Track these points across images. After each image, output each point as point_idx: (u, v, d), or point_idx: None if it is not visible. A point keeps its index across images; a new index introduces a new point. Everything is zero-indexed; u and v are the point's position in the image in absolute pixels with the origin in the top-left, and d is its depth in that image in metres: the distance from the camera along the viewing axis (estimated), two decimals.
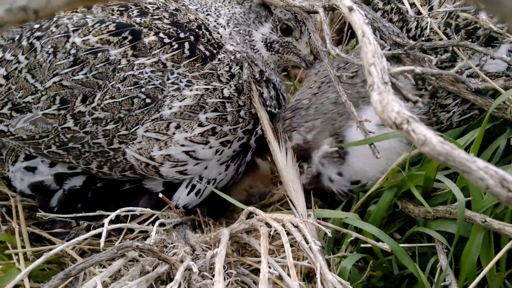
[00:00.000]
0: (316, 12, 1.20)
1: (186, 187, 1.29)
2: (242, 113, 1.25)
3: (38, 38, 1.19)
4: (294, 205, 1.19)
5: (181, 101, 1.17)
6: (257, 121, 1.29)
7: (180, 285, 0.93)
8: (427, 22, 1.18)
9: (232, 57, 1.25)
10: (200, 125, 1.19)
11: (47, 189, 1.28)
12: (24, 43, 1.20)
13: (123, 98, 1.15)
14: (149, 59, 1.16)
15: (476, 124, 1.18)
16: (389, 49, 1.17)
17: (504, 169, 0.60)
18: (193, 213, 1.34)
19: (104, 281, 0.97)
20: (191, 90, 1.18)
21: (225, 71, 1.22)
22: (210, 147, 1.22)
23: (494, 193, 0.58)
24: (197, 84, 1.19)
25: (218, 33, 1.28)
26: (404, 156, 1.15)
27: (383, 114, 0.68)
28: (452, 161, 0.61)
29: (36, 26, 1.23)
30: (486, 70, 1.15)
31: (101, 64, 1.15)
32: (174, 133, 1.18)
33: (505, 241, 1.01)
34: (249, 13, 1.30)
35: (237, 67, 1.24)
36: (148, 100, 1.16)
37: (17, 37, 1.24)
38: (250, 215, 1.11)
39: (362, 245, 1.14)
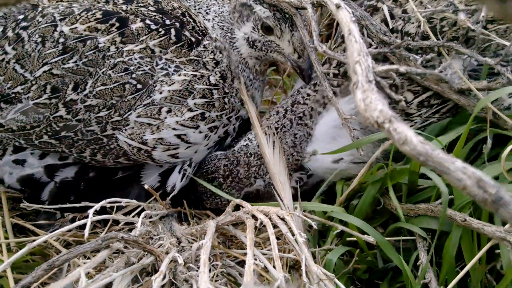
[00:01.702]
0: (304, 8, 1.20)
1: (179, 172, 1.30)
2: (226, 100, 1.27)
3: (25, 28, 1.18)
4: (280, 198, 1.20)
5: (170, 85, 1.18)
6: (238, 110, 1.32)
7: (165, 276, 0.93)
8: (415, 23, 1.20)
9: (215, 43, 1.26)
10: (190, 110, 1.21)
11: (37, 182, 1.26)
12: (10, 34, 1.19)
13: (115, 85, 1.15)
14: (137, 45, 1.17)
15: (457, 119, 1.20)
16: (376, 47, 1.18)
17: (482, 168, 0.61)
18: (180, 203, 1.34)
19: (88, 272, 0.97)
20: (179, 75, 1.19)
21: (210, 58, 1.24)
22: (200, 132, 1.24)
23: (470, 193, 0.60)
24: (184, 70, 1.20)
25: (204, 24, 1.29)
26: (383, 149, 1.16)
27: (366, 113, 0.68)
28: (432, 161, 0.62)
29: (21, 16, 1.21)
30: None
31: (91, 52, 1.15)
32: (165, 117, 1.19)
33: (485, 238, 1.02)
34: (234, 12, 1.31)
35: (220, 55, 1.26)
36: (139, 86, 1.17)
37: (1, 28, 1.22)
38: (236, 208, 1.11)
39: (348, 239, 1.14)
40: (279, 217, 1.03)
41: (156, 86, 1.17)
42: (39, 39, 1.16)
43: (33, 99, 1.15)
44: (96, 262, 0.96)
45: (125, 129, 1.18)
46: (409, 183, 1.15)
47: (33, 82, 1.15)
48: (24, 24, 1.19)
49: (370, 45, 1.21)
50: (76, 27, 1.16)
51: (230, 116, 1.30)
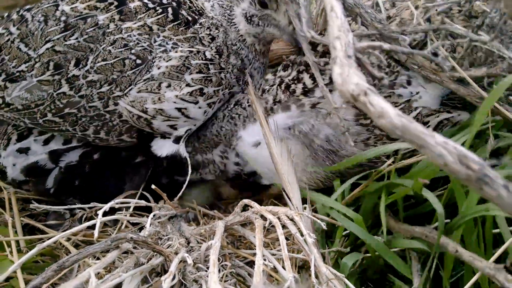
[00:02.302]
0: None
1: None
2: (223, 75, 1.28)
3: (28, 10, 1.22)
4: (289, 198, 1.19)
5: (167, 61, 1.20)
6: (232, 86, 1.33)
7: (174, 277, 0.93)
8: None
9: (212, 21, 1.28)
10: (188, 85, 1.23)
11: (42, 170, 1.28)
12: (15, 16, 1.22)
13: (115, 60, 1.18)
14: (135, 23, 1.20)
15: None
16: (362, 30, 1.16)
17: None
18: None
19: (98, 273, 0.97)
20: (176, 52, 1.21)
21: (206, 34, 1.26)
22: (200, 107, 1.27)
23: (452, 170, 0.55)
24: (181, 46, 1.22)
25: (203, 4, 1.31)
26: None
27: (342, 87, 0.65)
28: (409, 134, 0.58)
29: (16, 9, 1.24)
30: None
31: (91, 29, 1.18)
32: (165, 92, 1.21)
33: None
34: None
35: (216, 31, 1.28)
36: (138, 61, 1.19)
37: (6, 13, 1.25)
38: (245, 208, 1.11)
39: (358, 242, 1.14)
40: (288, 217, 1.02)
41: (154, 61, 1.20)
42: (42, 18, 1.20)
43: (36, 76, 1.18)
44: (106, 262, 0.96)
45: (127, 97, 1.20)
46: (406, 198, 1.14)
47: (37, 60, 1.18)
48: (27, 6, 1.22)
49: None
50: (76, 6, 1.19)
51: (225, 92, 1.32)
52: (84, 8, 1.19)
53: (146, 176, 1.33)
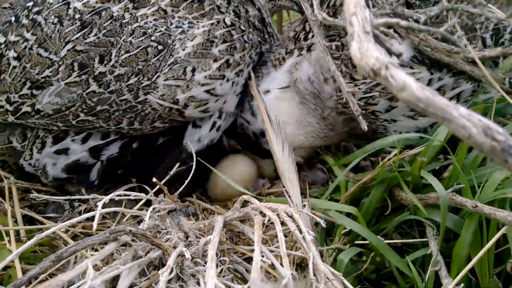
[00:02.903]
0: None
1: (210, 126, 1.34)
2: (245, 37, 1.29)
3: (38, 12, 1.20)
4: (289, 195, 1.19)
5: (192, 40, 1.20)
6: (256, 45, 1.34)
7: (172, 270, 0.93)
8: None
9: None
10: (215, 60, 1.22)
11: (84, 166, 1.29)
12: (25, 21, 1.20)
13: (138, 50, 1.17)
14: (149, 8, 1.19)
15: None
16: (378, 9, 1.14)
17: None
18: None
19: (95, 265, 0.97)
20: (198, 28, 1.21)
21: (222, 0, 1.27)
22: (227, 80, 1.26)
23: (476, 142, 0.55)
24: (201, 22, 1.22)
25: None
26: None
27: (361, 61, 0.64)
28: (433, 107, 0.57)
29: (30, 3, 1.23)
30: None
31: (108, 22, 1.17)
32: (192, 75, 1.21)
33: (494, 233, 1.00)
34: None
35: None
36: (160, 47, 1.18)
37: (13, 18, 1.23)
38: (245, 204, 1.11)
39: (356, 242, 1.14)
40: (287, 214, 1.02)
41: (175, 44, 1.19)
42: (56, 20, 1.18)
43: (63, 79, 1.17)
44: (104, 254, 0.96)
45: (156, 91, 1.19)
46: (414, 181, 1.14)
47: (60, 63, 1.17)
48: (36, 9, 1.21)
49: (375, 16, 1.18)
50: (88, 1, 1.18)
51: (251, 54, 1.32)
52: (96, 2, 1.18)
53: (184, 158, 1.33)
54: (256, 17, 1.34)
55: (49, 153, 1.28)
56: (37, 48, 1.18)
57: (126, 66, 1.17)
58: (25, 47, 1.18)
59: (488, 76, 1.06)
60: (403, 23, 0.76)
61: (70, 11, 1.18)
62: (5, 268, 1.05)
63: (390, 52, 0.72)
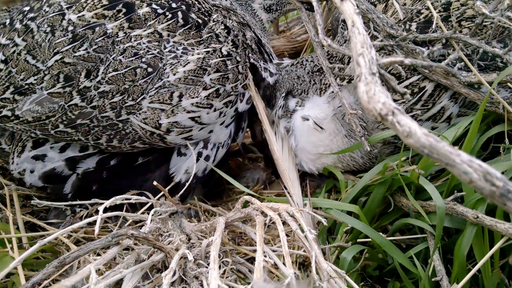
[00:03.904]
0: (310, 2, 1.20)
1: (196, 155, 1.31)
2: (240, 67, 1.27)
3: (32, 19, 1.19)
4: (290, 194, 1.19)
5: (184, 66, 1.19)
6: (255, 69, 1.34)
7: (175, 273, 0.93)
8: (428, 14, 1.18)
9: (224, 12, 1.30)
10: (205, 88, 1.21)
11: (59, 176, 1.28)
12: (18, 25, 1.20)
13: (126, 69, 1.16)
14: (145, 30, 1.18)
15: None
16: (381, 40, 1.17)
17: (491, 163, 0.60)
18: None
19: (98, 269, 0.97)
20: (193, 55, 1.19)
21: (222, 29, 1.25)
22: (215, 110, 1.24)
23: (477, 187, 0.58)
24: (197, 49, 1.20)
25: (220, 3, 1.32)
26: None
27: (369, 105, 0.68)
28: (437, 153, 0.60)
29: (27, 8, 1.22)
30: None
31: (100, 38, 1.16)
32: (179, 101, 1.19)
33: (498, 235, 1.01)
34: None
35: (230, 21, 1.29)
36: (150, 69, 1.17)
37: (8, 21, 1.23)
38: (246, 204, 1.11)
39: (358, 240, 1.14)
40: (288, 213, 1.02)
41: (166, 69, 1.18)
42: (49, 29, 1.17)
43: (47, 88, 1.17)
44: (107, 258, 0.96)
45: (139, 113, 1.18)
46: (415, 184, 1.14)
47: (46, 72, 1.16)
48: (31, 15, 1.20)
49: (375, 38, 1.20)
50: (83, 15, 1.17)
51: (245, 84, 1.30)
52: (92, 17, 1.16)
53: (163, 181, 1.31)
54: (253, 40, 1.33)
55: (28, 158, 1.27)
56: (25, 54, 1.17)
57: (112, 84, 1.16)
58: (14, 51, 1.18)
59: (504, 103, 1.10)
60: (407, 61, 0.78)
61: (64, 22, 1.17)
62: (8, 275, 1.05)
63: (395, 91, 0.74)
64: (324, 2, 1.56)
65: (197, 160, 1.28)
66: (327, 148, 1.28)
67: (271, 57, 1.41)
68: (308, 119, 1.29)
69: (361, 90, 0.70)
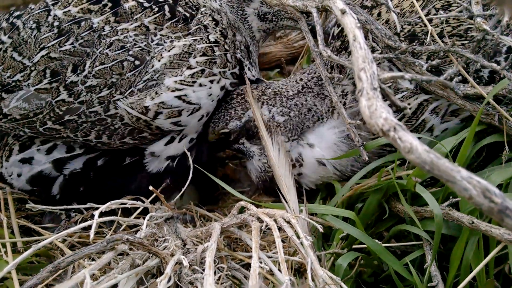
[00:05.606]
0: (309, 13, 1.20)
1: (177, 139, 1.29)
2: (228, 56, 1.26)
3: (18, 17, 1.20)
4: (286, 200, 1.19)
5: (169, 51, 1.18)
6: (242, 67, 1.31)
7: (170, 278, 0.93)
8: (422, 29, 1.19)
9: (213, 8, 1.28)
10: (189, 67, 1.19)
11: (46, 179, 1.27)
12: (4, 24, 1.20)
13: (113, 63, 1.16)
14: (131, 24, 1.18)
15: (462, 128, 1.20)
16: (381, 52, 1.18)
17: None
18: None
19: (93, 274, 0.97)
20: (179, 41, 1.19)
21: (210, 20, 1.25)
22: (200, 85, 1.21)
23: (476, 203, 0.59)
24: (184, 38, 1.20)
25: (211, 5, 1.29)
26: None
27: (371, 120, 0.68)
28: (437, 170, 0.61)
29: (13, 8, 1.22)
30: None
31: (86, 33, 1.16)
32: (162, 82, 1.17)
33: (494, 242, 1.01)
34: None
35: (219, 16, 1.28)
36: (137, 62, 1.17)
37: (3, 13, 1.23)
38: (242, 210, 1.11)
39: (354, 246, 1.14)
40: (284, 219, 1.02)
41: (153, 61, 1.17)
42: (34, 25, 1.17)
43: (33, 85, 1.16)
44: (101, 263, 0.96)
45: (126, 97, 1.17)
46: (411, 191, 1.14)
47: (32, 68, 1.16)
48: (17, 13, 1.20)
49: (374, 50, 1.21)
50: (69, 10, 1.17)
51: (234, 72, 1.29)
52: (78, 12, 1.16)
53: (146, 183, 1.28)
54: (242, 43, 1.32)
55: (15, 162, 1.26)
56: (11, 51, 1.17)
57: (99, 77, 1.15)
58: (0, 49, 1.18)
59: (504, 113, 1.11)
60: (407, 76, 0.80)
61: (50, 18, 1.17)
62: (2, 279, 1.04)
63: (395, 105, 0.75)
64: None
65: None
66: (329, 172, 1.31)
67: (256, 68, 1.40)
68: (325, 164, 1.29)
69: (363, 104, 0.71)
